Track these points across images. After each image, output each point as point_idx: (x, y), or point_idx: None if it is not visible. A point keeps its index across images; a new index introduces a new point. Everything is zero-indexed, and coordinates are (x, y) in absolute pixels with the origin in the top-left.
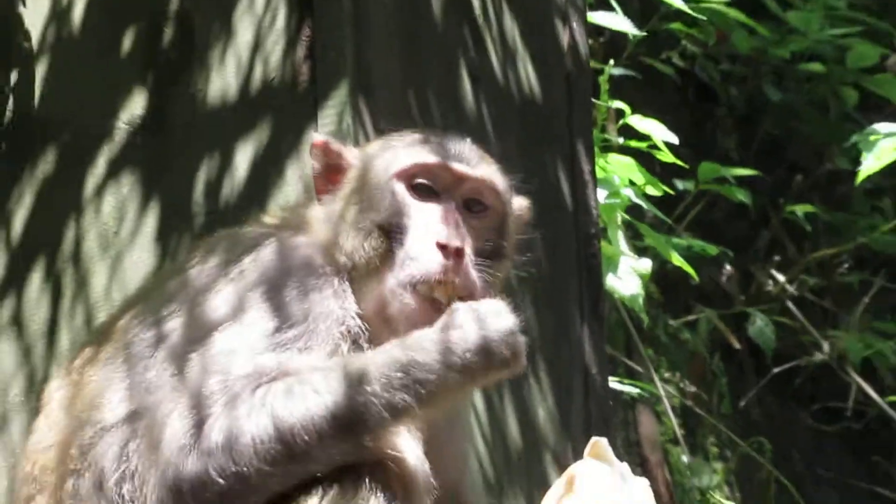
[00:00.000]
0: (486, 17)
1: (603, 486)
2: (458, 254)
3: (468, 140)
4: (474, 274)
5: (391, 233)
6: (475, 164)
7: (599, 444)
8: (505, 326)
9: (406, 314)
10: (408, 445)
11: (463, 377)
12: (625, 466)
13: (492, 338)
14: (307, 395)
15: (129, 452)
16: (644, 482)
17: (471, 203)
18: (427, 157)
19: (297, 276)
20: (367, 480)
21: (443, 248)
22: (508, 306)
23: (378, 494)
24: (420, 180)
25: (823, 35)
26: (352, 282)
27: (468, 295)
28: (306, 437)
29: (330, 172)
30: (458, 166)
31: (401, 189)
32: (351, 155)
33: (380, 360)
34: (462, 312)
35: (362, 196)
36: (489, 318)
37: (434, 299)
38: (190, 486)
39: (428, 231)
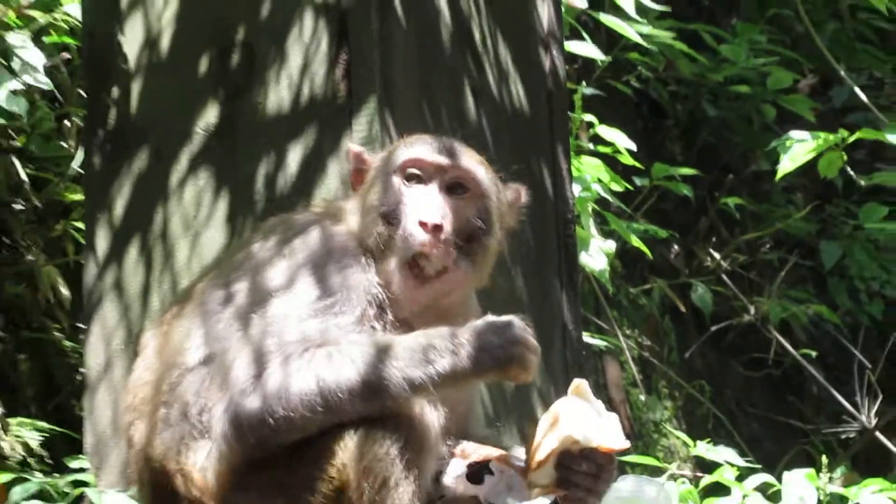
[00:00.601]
0: (484, 46)
1: (582, 419)
2: (437, 229)
3: (456, 139)
4: (453, 252)
5: (391, 219)
6: (455, 155)
7: (581, 385)
8: (518, 349)
9: (400, 288)
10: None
11: (472, 375)
12: (599, 404)
13: (505, 355)
14: (344, 362)
15: (205, 389)
16: (615, 416)
17: (453, 187)
18: (416, 151)
19: (334, 256)
20: (387, 428)
21: (423, 225)
22: (525, 327)
23: (395, 441)
24: (410, 170)
25: (749, 63)
26: (374, 260)
27: (444, 266)
28: (340, 396)
29: (358, 174)
30: (439, 157)
31: (397, 181)
32: (371, 159)
33: (405, 343)
34: (488, 325)
35: (372, 191)
36: (508, 337)
37: (421, 271)
38: (248, 422)
39: (414, 211)
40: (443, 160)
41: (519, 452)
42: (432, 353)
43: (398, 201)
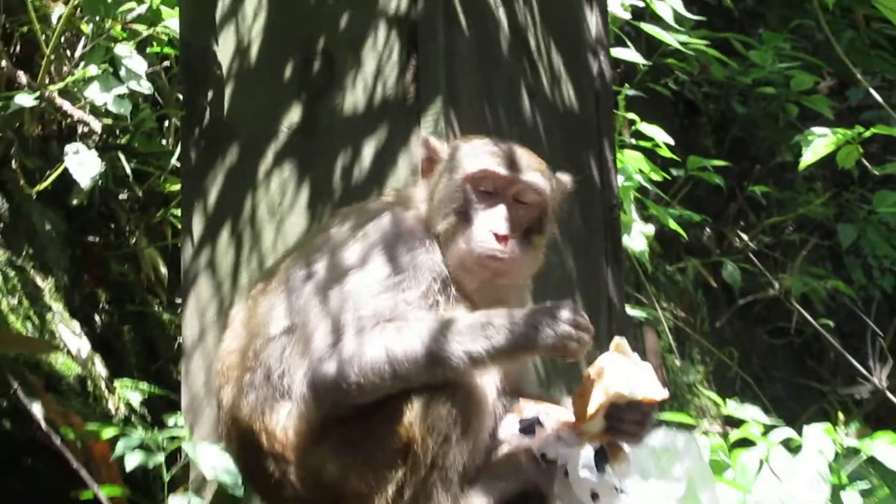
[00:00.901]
0: (538, 52)
1: (626, 374)
2: (505, 238)
3: (521, 148)
4: (517, 249)
5: (462, 217)
6: (519, 167)
7: (621, 342)
8: (568, 331)
9: (471, 270)
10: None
11: (525, 352)
12: (636, 356)
13: (557, 336)
14: (412, 336)
15: (287, 355)
16: (649, 366)
17: (518, 196)
18: (485, 163)
19: (403, 238)
20: (448, 390)
21: (495, 234)
22: (579, 309)
23: (456, 401)
24: (482, 184)
25: (774, 67)
26: (440, 243)
27: (512, 262)
28: (406, 365)
29: (430, 162)
30: (509, 174)
31: (469, 188)
32: (442, 150)
33: (467, 321)
34: (544, 308)
35: (445, 187)
36: (560, 319)
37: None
38: (324, 385)
39: (486, 221)
40: (510, 174)
41: (567, 407)
42: (490, 331)
43: (469, 206)
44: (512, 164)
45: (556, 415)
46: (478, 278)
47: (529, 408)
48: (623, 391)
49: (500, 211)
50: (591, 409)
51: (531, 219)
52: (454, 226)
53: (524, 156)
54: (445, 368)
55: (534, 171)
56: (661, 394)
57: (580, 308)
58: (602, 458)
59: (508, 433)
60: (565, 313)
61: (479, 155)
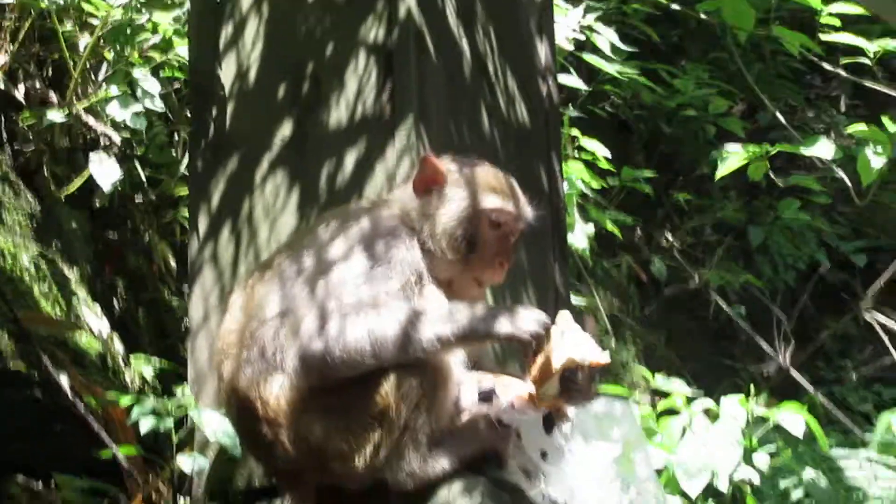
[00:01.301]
0: (496, 76)
1: (575, 342)
2: (506, 266)
3: (513, 180)
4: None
5: (469, 242)
6: (524, 207)
7: (566, 314)
8: (525, 325)
9: (465, 291)
10: None
11: (487, 338)
12: (579, 328)
13: (507, 326)
14: (390, 321)
15: (280, 336)
16: (590, 336)
17: (515, 229)
18: (507, 206)
19: (384, 236)
20: (418, 369)
21: (500, 264)
22: (535, 311)
23: (425, 373)
24: (495, 218)
25: (695, 93)
26: (426, 251)
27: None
28: (384, 346)
29: (428, 178)
30: (521, 218)
31: (483, 221)
32: (444, 172)
33: (439, 311)
34: (506, 307)
35: (456, 214)
36: (518, 317)
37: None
38: (312, 360)
39: (496, 250)
40: (520, 214)
41: (520, 378)
42: (458, 318)
43: (480, 237)
44: (519, 202)
45: (510, 385)
46: (461, 287)
47: (487, 379)
48: (575, 357)
49: (508, 245)
50: (547, 374)
51: (515, 243)
52: (460, 248)
53: (520, 191)
54: (417, 350)
55: (529, 206)
56: (605, 358)
57: (533, 308)
58: (550, 422)
59: (469, 402)
60: (521, 310)
61: (496, 191)
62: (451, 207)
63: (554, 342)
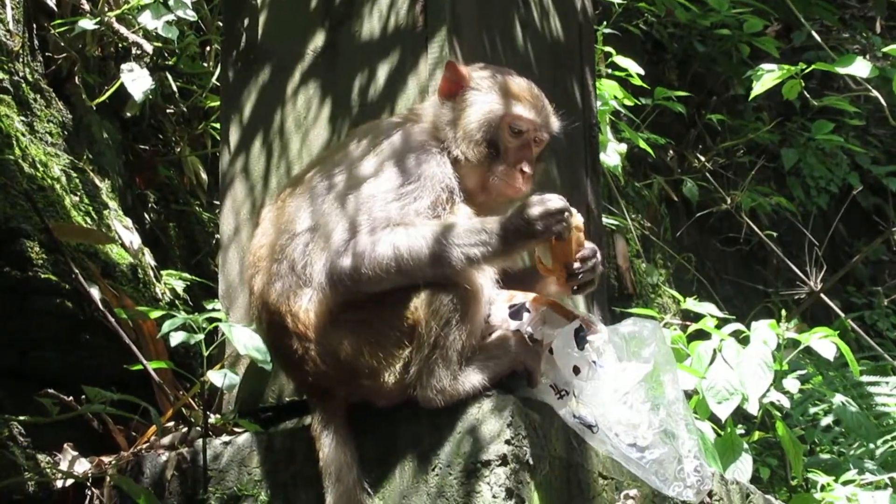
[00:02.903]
0: None
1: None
2: (530, 177)
3: (540, 91)
4: (530, 182)
5: (492, 147)
6: (549, 117)
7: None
8: (552, 209)
9: (493, 196)
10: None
11: (524, 245)
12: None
13: (540, 226)
14: (417, 236)
15: (309, 249)
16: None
17: (539, 137)
18: (528, 113)
19: (415, 151)
20: (447, 288)
21: (522, 172)
22: (550, 196)
23: (456, 289)
24: (515, 125)
25: (729, 12)
26: (455, 161)
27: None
28: (411, 262)
29: (453, 85)
30: (543, 125)
31: (504, 126)
32: (469, 76)
33: (467, 225)
34: (527, 206)
35: (476, 116)
36: (542, 209)
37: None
38: (340, 274)
39: (517, 161)
40: (543, 123)
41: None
42: (485, 235)
43: (502, 143)
44: (542, 111)
45: (539, 301)
46: (490, 198)
47: (518, 296)
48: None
49: (530, 153)
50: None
51: (539, 153)
52: (483, 155)
53: (546, 101)
54: (445, 267)
55: (554, 116)
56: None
57: (550, 194)
58: (582, 337)
59: (499, 318)
60: (538, 206)
61: (519, 98)
62: (473, 110)
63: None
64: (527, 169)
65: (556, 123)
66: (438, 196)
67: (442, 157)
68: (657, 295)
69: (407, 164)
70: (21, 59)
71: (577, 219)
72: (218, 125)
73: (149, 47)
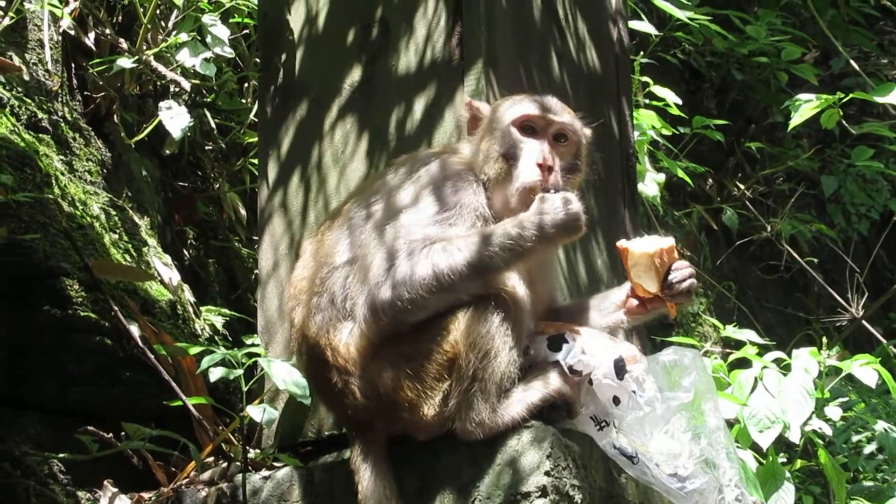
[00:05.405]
0: (566, 21)
1: (638, 245)
2: (549, 169)
3: (555, 97)
4: (559, 179)
5: (509, 159)
6: (560, 112)
7: (619, 243)
8: (573, 209)
9: (518, 207)
10: (517, 283)
11: (549, 240)
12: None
13: (565, 218)
14: (454, 251)
15: (349, 283)
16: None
17: (558, 137)
18: (530, 109)
19: (452, 180)
20: (492, 303)
21: (539, 165)
22: (577, 196)
23: (499, 311)
24: (526, 123)
25: (767, 40)
26: (486, 187)
27: (555, 192)
28: (452, 277)
29: (474, 121)
30: (549, 115)
31: (514, 131)
32: (484, 109)
33: (500, 231)
34: (548, 201)
35: (492, 136)
36: (565, 205)
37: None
38: (381, 306)
39: (531, 156)
40: (550, 116)
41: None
42: (520, 235)
43: (516, 147)
44: (547, 107)
45: (577, 331)
46: (514, 213)
47: (555, 326)
48: (648, 251)
49: (543, 145)
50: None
51: (569, 156)
52: (503, 168)
53: (557, 101)
54: (486, 273)
55: (566, 112)
56: (669, 240)
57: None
58: (621, 368)
59: (540, 350)
60: (569, 205)
61: (519, 103)
62: (488, 132)
63: (629, 250)
64: (544, 160)
65: (567, 119)
66: (474, 224)
67: (478, 186)
68: (698, 324)
69: (444, 192)
70: (60, 99)
71: (669, 241)
72: (256, 161)
73: (187, 85)
